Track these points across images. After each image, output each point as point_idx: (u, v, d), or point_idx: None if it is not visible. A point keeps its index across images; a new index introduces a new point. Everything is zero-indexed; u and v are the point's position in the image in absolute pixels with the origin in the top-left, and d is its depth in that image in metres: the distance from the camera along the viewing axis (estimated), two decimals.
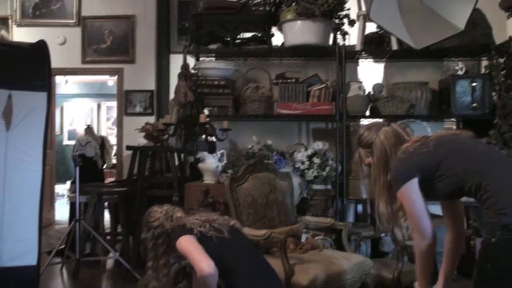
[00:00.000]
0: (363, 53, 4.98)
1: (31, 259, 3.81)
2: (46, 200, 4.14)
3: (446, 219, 2.50)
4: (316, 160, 4.64)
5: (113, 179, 7.46)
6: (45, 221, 4.04)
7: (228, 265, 2.60)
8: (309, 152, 4.71)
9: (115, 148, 7.44)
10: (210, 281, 2.50)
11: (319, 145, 4.72)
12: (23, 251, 3.78)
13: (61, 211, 8.22)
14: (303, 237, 3.90)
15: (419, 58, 5.06)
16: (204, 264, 2.50)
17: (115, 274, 5.17)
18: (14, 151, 3.73)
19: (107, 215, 6.07)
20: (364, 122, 4.92)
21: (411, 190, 2.29)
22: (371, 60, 5.21)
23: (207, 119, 4.65)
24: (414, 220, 2.30)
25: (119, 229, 5.54)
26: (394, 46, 4.86)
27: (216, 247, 2.62)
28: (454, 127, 5.10)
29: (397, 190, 2.32)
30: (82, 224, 4.87)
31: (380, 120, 4.60)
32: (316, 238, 4.06)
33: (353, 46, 4.99)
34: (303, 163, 4.66)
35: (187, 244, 2.60)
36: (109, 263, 5.47)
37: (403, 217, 2.53)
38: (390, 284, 3.60)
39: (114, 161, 7.90)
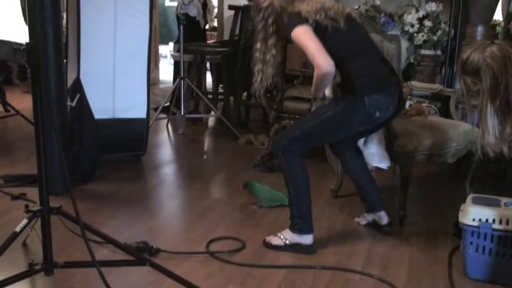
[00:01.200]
0: None
1: (141, 112, 4.03)
2: (151, 59, 4.25)
3: None
4: (427, 23, 4.33)
5: (214, 40, 7.49)
6: (150, 79, 4.17)
7: (343, 55, 2.55)
8: (420, 14, 4.39)
9: (216, 9, 7.37)
10: (327, 78, 2.50)
11: (432, 6, 4.38)
12: (133, 104, 3.99)
13: (165, 71, 8.54)
14: (407, 103, 3.77)
15: None
16: (322, 59, 2.44)
17: (217, 131, 5.39)
18: (123, 5, 3.79)
19: (209, 76, 6.20)
20: None
21: None
22: None
23: None
24: None
25: (221, 90, 5.65)
26: None
27: (331, 38, 2.52)
28: None
29: None
30: (186, 82, 5.01)
31: None
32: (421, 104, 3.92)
33: None
34: (412, 26, 4.37)
35: (305, 36, 2.48)
36: (211, 121, 5.69)
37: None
38: (498, 154, 3.45)
39: (215, 23, 7.88)
